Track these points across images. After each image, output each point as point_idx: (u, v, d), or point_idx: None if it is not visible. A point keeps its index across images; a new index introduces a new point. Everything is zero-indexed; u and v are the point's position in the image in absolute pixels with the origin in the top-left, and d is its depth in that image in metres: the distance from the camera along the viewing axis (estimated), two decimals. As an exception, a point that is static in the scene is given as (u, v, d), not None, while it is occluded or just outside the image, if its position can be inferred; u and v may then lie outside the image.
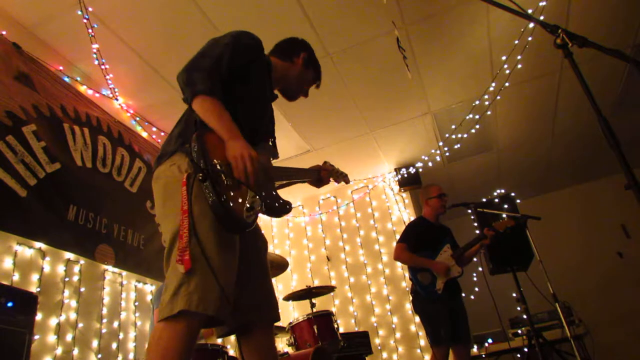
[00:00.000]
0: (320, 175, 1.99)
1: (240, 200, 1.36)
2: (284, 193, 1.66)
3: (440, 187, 3.63)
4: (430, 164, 5.28)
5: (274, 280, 2.98)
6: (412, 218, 4.97)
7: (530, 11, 3.30)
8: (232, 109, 1.47)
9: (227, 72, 1.51)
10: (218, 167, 1.35)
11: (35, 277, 2.73)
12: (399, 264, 5.05)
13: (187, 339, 1.24)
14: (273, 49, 1.87)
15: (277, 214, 1.52)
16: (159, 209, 1.45)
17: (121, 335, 3.30)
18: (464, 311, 3.31)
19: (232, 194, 1.35)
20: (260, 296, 1.55)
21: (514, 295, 3.52)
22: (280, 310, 1.63)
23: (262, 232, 1.71)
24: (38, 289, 2.71)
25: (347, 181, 2.16)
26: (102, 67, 3.38)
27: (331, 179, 2.08)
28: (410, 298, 3.52)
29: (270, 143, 1.76)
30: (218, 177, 1.33)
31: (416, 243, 3.37)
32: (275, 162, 1.72)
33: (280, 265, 3.21)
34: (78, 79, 3.50)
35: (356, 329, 4.88)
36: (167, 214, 1.38)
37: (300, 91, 1.89)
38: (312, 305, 3.40)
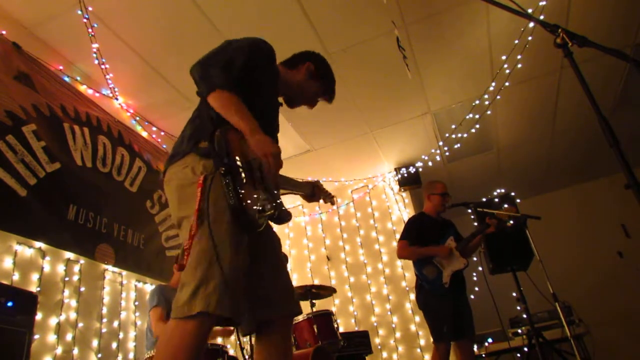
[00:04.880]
0: (314, 191, 1.99)
1: (254, 201, 1.37)
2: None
3: (445, 185, 3.60)
4: (430, 163, 5.28)
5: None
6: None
7: (530, 11, 3.30)
8: None
9: (240, 73, 1.50)
10: (239, 163, 1.36)
11: (35, 276, 2.73)
12: (399, 263, 5.05)
13: (200, 339, 1.24)
14: (283, 60, 1.86)
15: (279, 221, 1.53)
16: (174, 212, 1.45)
17: (121, 335, 3.30)
18: (468, 307, 3.30)
19: (248, 193, 1.36)
20: (277, 291, 1.55)
21: (514, 294, 3.52)
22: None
23: (274, 229, 1.71)
24: (38, 289, 2.71)
25: (333, 203, 2.16)
26: (102, 66, 3.37)
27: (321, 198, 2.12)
28: (412, 296, 3.51)
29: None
30: (238, 175, 1.34)
31: (417, 238, 3.35)
32: None
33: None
34: (78, 78, 3.50)
35: (356, 329, 4.87)
36: (185, 216, 1.39)
37: (301, 100, 1.86)
38: (312, 304, 3.40)
